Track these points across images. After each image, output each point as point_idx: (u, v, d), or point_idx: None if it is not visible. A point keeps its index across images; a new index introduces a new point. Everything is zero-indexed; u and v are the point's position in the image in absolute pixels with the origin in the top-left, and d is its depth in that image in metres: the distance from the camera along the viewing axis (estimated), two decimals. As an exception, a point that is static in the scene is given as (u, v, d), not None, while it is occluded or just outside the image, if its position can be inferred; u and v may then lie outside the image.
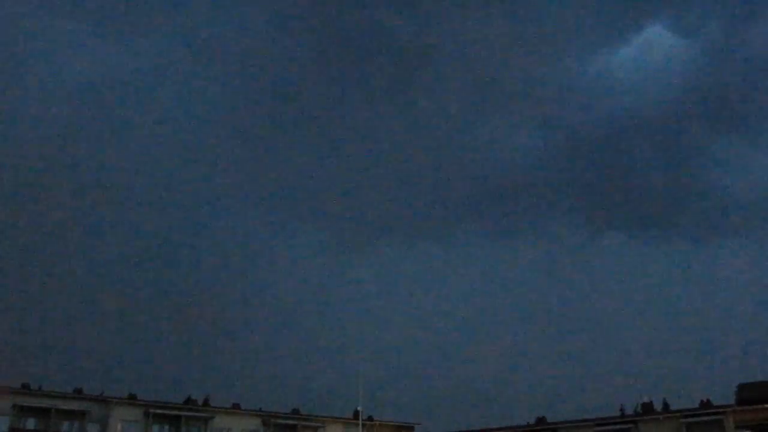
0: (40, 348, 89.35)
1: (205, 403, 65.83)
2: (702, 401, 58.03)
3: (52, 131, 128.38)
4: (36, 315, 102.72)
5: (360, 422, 66.91)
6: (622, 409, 61.84)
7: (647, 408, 60.31)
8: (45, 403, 58.50)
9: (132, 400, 62.54)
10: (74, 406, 59.70)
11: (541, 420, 65.77)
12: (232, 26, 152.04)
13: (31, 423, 58.29)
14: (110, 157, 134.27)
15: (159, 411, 62.43)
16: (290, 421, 67.59)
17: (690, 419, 56.25)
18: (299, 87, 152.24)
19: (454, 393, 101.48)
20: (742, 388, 55.93)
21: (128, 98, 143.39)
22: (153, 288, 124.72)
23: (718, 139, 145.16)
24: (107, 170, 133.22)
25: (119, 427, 60.33)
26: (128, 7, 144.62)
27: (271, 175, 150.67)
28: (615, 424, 59.96)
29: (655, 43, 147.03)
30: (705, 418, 55.68)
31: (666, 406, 59.75)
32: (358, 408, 66.52)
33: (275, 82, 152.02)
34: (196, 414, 63.86)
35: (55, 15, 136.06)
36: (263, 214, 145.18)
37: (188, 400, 65.43)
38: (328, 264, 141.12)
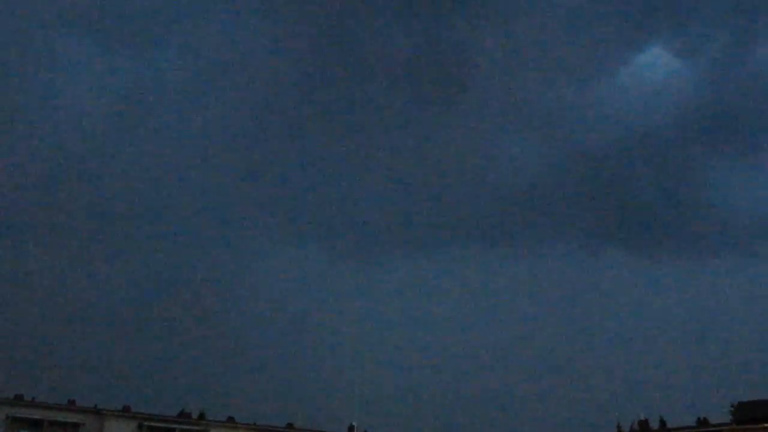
0: (35, 359, 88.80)
1: (200, 416, 65.39)
2: (699, 419, 57.72)
3: (65, 142, 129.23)
4: (31, 326, 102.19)
5: (355, 437, 66.56)
6: (619, 427, 61.60)
7: (644, 426, 60.03)
8: (38, 414, 58.15)
9: (126, 412, 62.07)
10: (68, 417, 59.31)
11: (537, 436, 65.43)
12: (244, 45, 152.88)
13: (24, 434, 57.90)
14: (114, 169, 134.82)
15: (153, 423, 62.01)
16: (285, 435, 67.20)
17: (687, 437, 56.02)
18: (304, 100, 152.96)
19: (450, 408, 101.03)
20: (740, 406, 55.62)
21: (134, 112, 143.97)
22: (149, 301, 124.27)
23: (717, 158, 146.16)
24: (107, 183, 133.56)
25: (112, 439, 59.98)
26: (138, 25, 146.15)
27: (273, 189, 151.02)
28: (612, 441, 59.68)
29: (655, 64, 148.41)
30: (702, 437, 55.42)
31: (663, 423, 59.50)
32: (353, 423, 66.21)
33: (279, 96, 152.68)
34: (191, 427, 63.40)
35: (69, 32, 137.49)
36: (262, 229, 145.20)
37: (182, 413, 64.99)
38: (325, 280, 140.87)
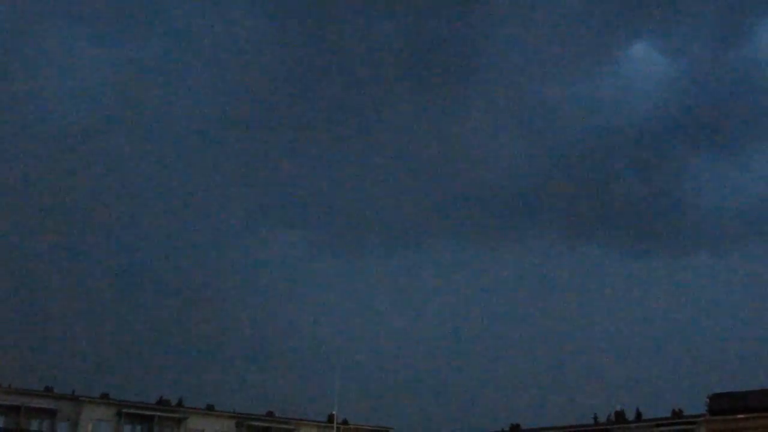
0: (11, 344, 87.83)
1: (179, 403, 65.12)
2: (674, 410, 58.53)
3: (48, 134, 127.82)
4: (7, 310, 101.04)
5: (335, 425, 66.63)
6: (595, 417, 62.28)
7: (620, 416, 60.74)
8: (14, 400, 57.38)
9: (104, 399, 61.66)
10: (44, 404, 58.65)
11: (515, 427, 65.99)
12: (229, 31, 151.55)
13: (-1, 421, 57.24)
14: (97, 158, 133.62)
15: (131, 411, 61.65)
16: (264, 424, 67.13)
17: (662, 428, 56.76)
18: (288, 91, 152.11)
19: (430, 398, 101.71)
20: (714, 398, 56.49)
21: (118, 101, 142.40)
22: (128, 287, 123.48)
23: (698, 156, 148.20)
24: (93, 171, 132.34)
25: (90, 426, 59.45)
26: (128, 13, 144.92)
27: (255, 178, 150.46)
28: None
29: (639, 62, 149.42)
30: (677, 428, 56.21)
31: (638, 414, 60.22)
32: (333, 411, 66.32)
33: (263, 86, 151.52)
34: (170, 414, 63.15)
35: (55, 18, 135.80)
36: (244, 217, 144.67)
37: (161, 401, 64.67)
38: (306, 267, 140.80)
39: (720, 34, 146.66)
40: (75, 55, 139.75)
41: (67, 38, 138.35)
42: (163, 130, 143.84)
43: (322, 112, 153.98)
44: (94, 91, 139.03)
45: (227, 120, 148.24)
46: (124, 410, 61.11)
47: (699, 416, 55.88)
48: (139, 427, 61.96)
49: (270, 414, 68.56)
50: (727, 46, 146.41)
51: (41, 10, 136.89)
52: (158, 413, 62.52)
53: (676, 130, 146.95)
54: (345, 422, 70.36)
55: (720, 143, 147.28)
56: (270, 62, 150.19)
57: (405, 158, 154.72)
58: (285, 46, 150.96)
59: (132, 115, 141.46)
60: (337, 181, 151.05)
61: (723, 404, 55.35)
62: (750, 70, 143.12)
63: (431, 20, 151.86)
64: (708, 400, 57.50)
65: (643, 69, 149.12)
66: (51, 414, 58.61)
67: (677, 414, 58.06)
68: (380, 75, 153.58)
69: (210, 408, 66.45)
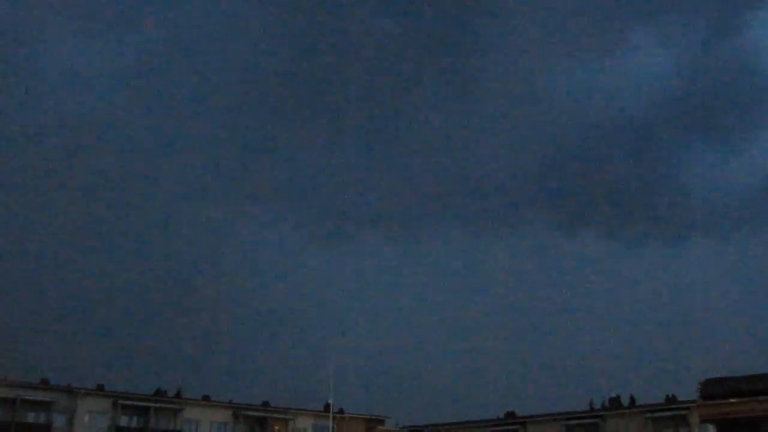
0: (6, 337, 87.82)
1: (176, 394, 65.26)
2: (667, 396, 59.01)
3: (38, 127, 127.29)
4: (2, 303, 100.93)
5: (330, 415, 66.90)
6: (591, 403, 62.73)
7: (615, 403, 61.18)
8: (10, 393, 57.37)
9: (100, 391, 61.69)
10: (40, 396, 58.65)
11: (510, 414, 66.38)
12: (231, 23, 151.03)
13: (-5, 413, 57.19)
14: (93, 148, 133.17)
15: (128, 402, 61.72)
16: (260, 414, 67.38)
17: (655, 414, 57.20)
18: (285, 82, 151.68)
19: (425, 387, 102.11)
20: (705, 383, 56.78)
21: (112, 92, 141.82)
22: (124, 279, 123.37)
23: (693, 144, 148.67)
24: (89, 159, 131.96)
25: (86, 418, 59.53)
26: (118, 6, 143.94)
27: (251, 168, 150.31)
28: (582, 418, 60.73)
29: (635, 52, 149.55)
30: (670, 413, 56.64)
31: (632, 401, 60.68)
32: (329, 401, 66.51)
33: (262, 76, 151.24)
34: (166, 405, 63.28)
35: (55, 11, 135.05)
36: (241, 208, 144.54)
37: (158, 392, 64.78)
38: (302, 258, 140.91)
39: (715, 24, 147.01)
40: (74, 47, 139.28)
41: (67, 31, 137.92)
42: (161, 122, 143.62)
43: (319, 104, 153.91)
44: (90, 83, 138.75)
45: (225, 112, 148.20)
46: (121, 402, 61.15)
47: (691, 402, 56.26)
48: (135, 419, 62.02)
49: (266, 404, 68.78)
50: (722, 36, 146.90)
51: (40, 4, 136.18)
52: (155, 404, 62.62)
53: (672, 119, 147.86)
54: (341, 412, 70.67)
55: (714, 132, 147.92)
56: (267, 55, 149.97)
57: (401, 149, 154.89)
58: (284, 37, 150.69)
59: (127, 111, 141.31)
60: (333, 172, 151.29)
61: (715, 389, 55.49)
62: (744, 59, 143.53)
63: (431, 12, 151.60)
64: (700, 385, 57.88)
65: (639, 59, 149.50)
66: (47, 406, 58.60)
67: (671, 400, 58.51)
68: (378, 68, 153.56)
69: (206, 399, 66.63)
